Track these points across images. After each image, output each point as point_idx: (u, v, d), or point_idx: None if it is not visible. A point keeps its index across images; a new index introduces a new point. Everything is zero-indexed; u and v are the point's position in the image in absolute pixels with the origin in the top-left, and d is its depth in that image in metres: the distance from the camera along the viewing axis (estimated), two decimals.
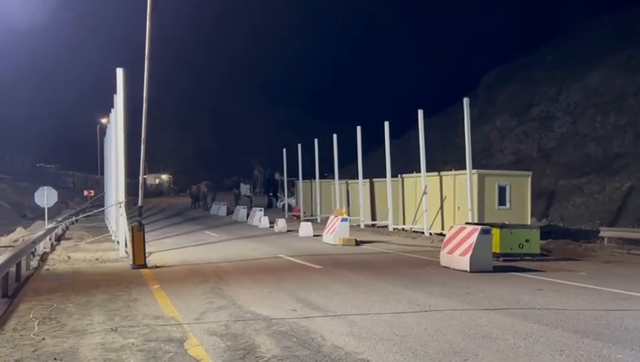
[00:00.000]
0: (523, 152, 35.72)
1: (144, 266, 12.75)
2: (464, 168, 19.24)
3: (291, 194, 37.72)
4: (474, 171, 19.31)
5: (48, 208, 20.85)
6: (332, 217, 19.51)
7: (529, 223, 19.32)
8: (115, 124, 17.56)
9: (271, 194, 45.73)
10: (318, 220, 29.00)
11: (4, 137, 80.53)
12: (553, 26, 52.36)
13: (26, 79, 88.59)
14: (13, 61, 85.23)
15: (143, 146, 14.26)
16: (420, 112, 21.84)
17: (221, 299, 8.94)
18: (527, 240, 13.94)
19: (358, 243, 18.15)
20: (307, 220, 25.95)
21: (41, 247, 15.67)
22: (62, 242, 19.56)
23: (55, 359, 5.72)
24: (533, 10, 67.43)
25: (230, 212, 35.63)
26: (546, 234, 17.41)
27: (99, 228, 24.61)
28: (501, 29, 79.66)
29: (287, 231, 23.66)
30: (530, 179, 20.52)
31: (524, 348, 6.02)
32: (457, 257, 12.07)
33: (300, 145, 32.08)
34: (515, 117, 39.35)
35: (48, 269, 12.72)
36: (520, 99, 40.79)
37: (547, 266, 12.91)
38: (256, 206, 33.03)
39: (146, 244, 13.80)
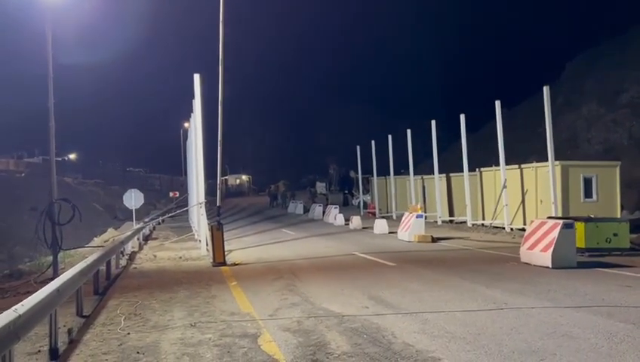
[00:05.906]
0: (612, 141, 33.56)
1: (223, 264, 13.23)
2: (547, 159, 18.39)
3: (366, 191, 37.64)
4: (557, 163, 18.41)
5: (137, 209, 22.08)
6: (407, 214, 19.30)
7: (618, 216, 18.18)
8: (194, 127, 18.27)
9: (346, 191, 45.91)
10: (394, 217, 28.77)
11: (96, 144, 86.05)
12: None
13: (115, 91, 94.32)
14: (104, 77, 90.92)
15: (219, 148, 14.77)
16: (498, 103, 21.08)
17: (295, 295, 9.11)
18: (615, 234, 13.15)
19: (434, 239, 17.81)
20: (382, 217, 25.83)
21: (129, 247, 16.63)
22: (149, 242, 20.63)
23: (138, 352, 6.08)
24: None
25: (307, 210, 36.13)
26: (637, 227, 16.32)
27: (183, 227, 25.70)
28: (586, 10, 75.27)
29: (362, 228, 23.66)
30: (618, 169, 19.28)
31: (606, 347, 5.71)
32: (538, 253, 11.59)
33: (373, 142, 31.92)
34: (603, 104, 37.04)
35: (136, 268, 13.49)
36: (608, 84, 38.33)
37: (638, 262, 12.10)
38: (332, 204, 33.23)
39: (226, 242, 14.31)
